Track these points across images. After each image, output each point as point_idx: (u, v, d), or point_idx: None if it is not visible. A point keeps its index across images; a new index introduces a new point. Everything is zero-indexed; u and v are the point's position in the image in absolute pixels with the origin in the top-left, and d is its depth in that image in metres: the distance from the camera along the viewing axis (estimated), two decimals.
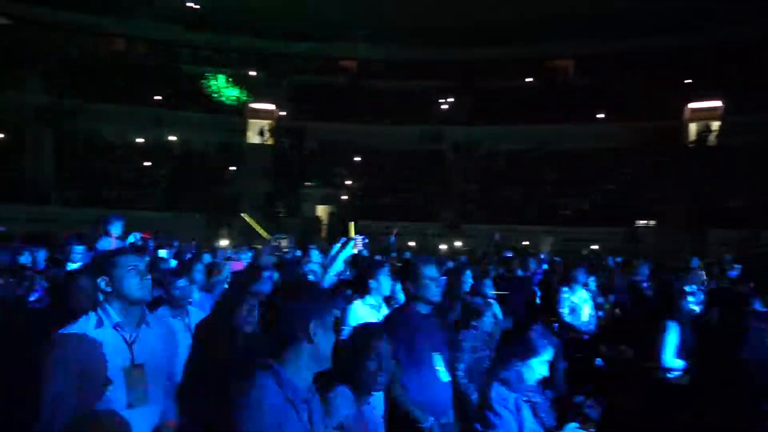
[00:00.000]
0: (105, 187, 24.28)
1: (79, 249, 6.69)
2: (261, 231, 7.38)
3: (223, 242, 11.67)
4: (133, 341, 2.52)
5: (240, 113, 29.96)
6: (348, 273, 6.52)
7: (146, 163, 26.63)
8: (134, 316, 2.57)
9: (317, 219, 26.81)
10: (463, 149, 28.28)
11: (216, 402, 2.00)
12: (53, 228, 16.83)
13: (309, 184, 27.52)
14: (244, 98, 30.19)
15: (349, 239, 4.09)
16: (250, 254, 9.34)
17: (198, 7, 31.61)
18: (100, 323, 2.49)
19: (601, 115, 28.42)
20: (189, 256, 8.09)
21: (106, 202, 22.00)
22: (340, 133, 29.00)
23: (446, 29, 28.30)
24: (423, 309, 3.46)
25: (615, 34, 27.15)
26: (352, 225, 4.21)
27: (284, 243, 8.05)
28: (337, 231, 23.21)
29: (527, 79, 31.46)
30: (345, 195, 26.68)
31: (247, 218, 7.69)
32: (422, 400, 3.20)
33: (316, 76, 31.86)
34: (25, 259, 6.77)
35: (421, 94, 30.53)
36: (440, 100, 31.32)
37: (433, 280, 3.44)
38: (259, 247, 11.11)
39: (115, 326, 2.50)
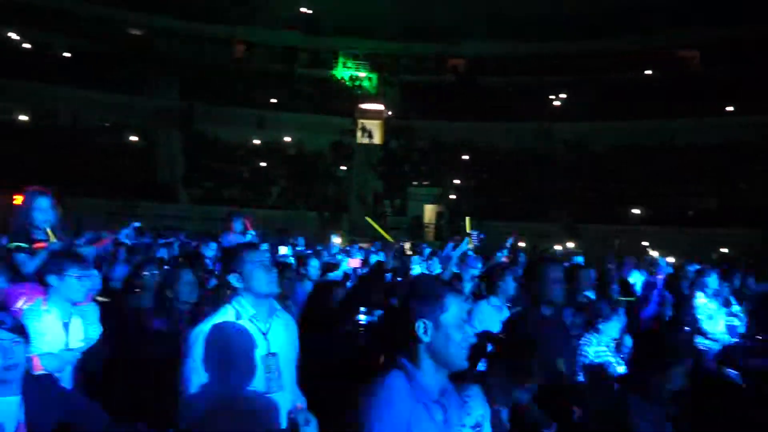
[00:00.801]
0: (226, 186, 25.71)
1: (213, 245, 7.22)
2: (385, 235, 7.47)
3: (336, 240, 12.00)
4: (266, 332, 2.68)
5: (350, 114, 30.70)
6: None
7: (263, 164, 27.89)
8: (265, 308, 2.73)
9: (424, 218, 26.85)
10: (579, 146, 27.23)
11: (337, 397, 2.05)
12: (182, 224, 18.10)
13: (417, 183, 27.62)
14: (357, 99, 30.96)
15: (465, 235, 4.06)
16: (362, 253, 9.52)
17: (311, 12, 32.85)
18: (238, 316, 2.66)
19: (731, 108, 26.31)
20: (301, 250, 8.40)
21: (227, 201, 23.29)
22: (449, 132, 28.91)
23: (561, 21, 27.42)
24: (546, 311, 3.37)
25: (744, 20, 25.06)
26: (468, 221, 4.17)
27: (407, 246, 8.10)
28: (445, 230, 23.16)
29: (647, 72, 29.74)
30: (453, 194, 26.52)
31: (372, 222, 7.80)
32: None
33: (426, 75, 31.98)
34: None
35: (534, 89, 29.73)
36: (555, 96, 30.35)
37: (557, 282, 3.35)
38: (366, 246, 11.35)
39: (251, 318, 2.67)
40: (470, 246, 4.19)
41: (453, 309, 1.86)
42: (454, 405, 1.93)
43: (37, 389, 2.41)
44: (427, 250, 8.06)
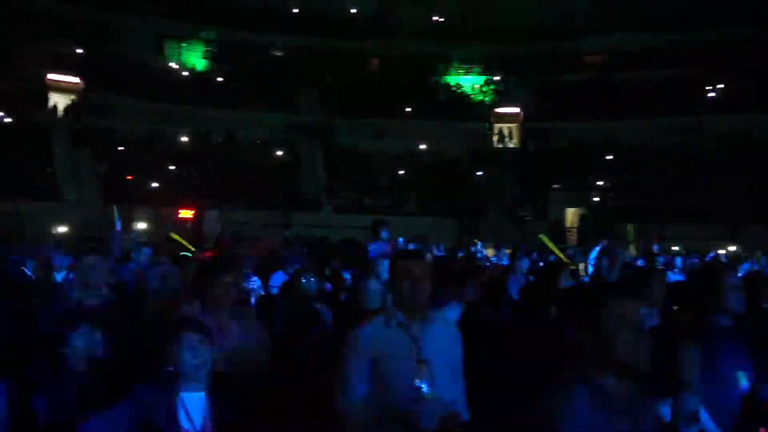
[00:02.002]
0: (366, 194, 26.46)
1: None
2: (557, 252, 7.25)
3: (478, 246, 11.91)
4: (418, 338, 2.69)
5: (486, 119, 30.39)
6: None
7: (401, 172, 28.38)
8: (419, 312, 2.74)
9: (566, 222, 25.78)
10: (736, 140, 24.83)
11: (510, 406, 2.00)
12: (325, 233, 18.88)
13: (557, 186, 26.64)
14: (492, 103, 30.62)
15: (621, 240, 3.81)
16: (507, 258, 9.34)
17: (443, 20, 33.08)
18: (388, 322, 2.73)
19: None
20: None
21: (368, 209, 23.97)
22: (589, 132, 27.66)
23: (699, 8, 25.29)
24: (724, 321, 3.08)
25: None
26: (631, 228, 3.92)
27: (582, 266, 7.80)
28: (590, 235, 22.06)
29: None
30: (597, 197, 25.27)
31: (545, 239, 7.60)
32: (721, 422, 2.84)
33: (561, 74, 30.86)
34: None
35: (682, 82, 27.61)
36: (708, 87, 27.97)
37: (736, 289, 3.05)
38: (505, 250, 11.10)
39: (401, 324, 2.72)
40: (633, 254, 3.93)
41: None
42: (645, 416, 1.82)
43: (221, 387, 2.60)
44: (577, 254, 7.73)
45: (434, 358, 2.67)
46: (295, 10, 32.94)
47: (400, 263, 2.81)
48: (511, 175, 27.21)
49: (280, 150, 28.20)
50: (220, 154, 27.01)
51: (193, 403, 2.49)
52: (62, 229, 14.61)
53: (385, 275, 4.49)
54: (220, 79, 30.72)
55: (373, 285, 4.19)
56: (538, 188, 26.15)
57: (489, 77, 32.09)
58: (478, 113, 30.24)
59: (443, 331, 2.81)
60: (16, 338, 3.95)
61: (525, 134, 29.93)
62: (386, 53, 32.84)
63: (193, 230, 4.45)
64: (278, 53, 32.57)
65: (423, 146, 29.92)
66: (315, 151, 28.07)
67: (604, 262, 6.16)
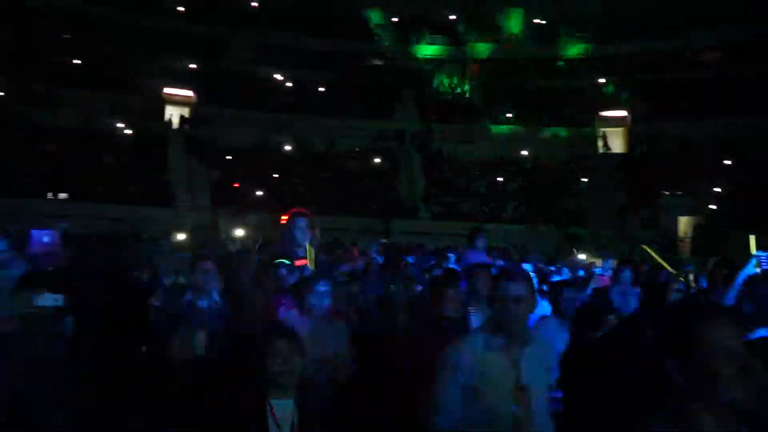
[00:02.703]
0: (464, 201, 26.20)
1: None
2: (664, 264, 6.80)
3: (580, 256, 11.43)
4: (517, 361, 2.56)
5: (590, 123, 29.27)
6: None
7: (499, 179, 27.90)
8: (518, 334, 2.60)
9: (678, 231, 24.20)
10: None
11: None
12: (424, 240, 18.84)
13: (668, 193, 25.08)
14: (596, 106, 29.45)
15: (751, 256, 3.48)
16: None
17: (544, 22, 32.28)
18: (487, 343, 2.59)
19: None
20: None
21: (464, 216, 23.73)
22: (702, 133, 25.83)
23: None
24: None
25: None
26: (753, 239, 3.57)
27: (692, 277, 7.29)
28: (705, 246, 20.55)
29: None
30: (713, 204, 23.53)
31: (649, 250, 7.19)
32: None
33: (667, 72, 28.99)
34: None
35: None
36: None
37: None
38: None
39: (500, 346, 2.58)
40: (757, 269, 3.56)
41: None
42: None
43: (309, 395, 2.61)
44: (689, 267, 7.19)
45: (532, 382, 2.56)
46: (395, 19, 33.29)
47: (501, 283, 2.64)
48: (616, 181, 25.99)
49: (379, 157, 28.55)
50: (321, 161, 27.76)
51: (282, 410, 2.50)
52: (176, 234, 15.53)
53: (479, 285, 4.38)
54: (321, 88, 31.58)
55: (452, 293, 4.09)
56: (646, 195, 24.77)
57: (592, 79, 30.86)
58: (582, 117, 29.17)
59: (541, 354, 2.68)
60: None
61: (631, 138, 28.52)
62: (486, 57, 32.47)
63: (283, 237, 4.54)
64: (377, 62, 33.05)
65: (524, 152, 29.24)
66: (413, 158, 28.18)
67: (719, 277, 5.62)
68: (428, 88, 31.38)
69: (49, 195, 21.51)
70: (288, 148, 28.51)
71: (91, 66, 27.52)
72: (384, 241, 12.23)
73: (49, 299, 3.28)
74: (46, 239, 6.70)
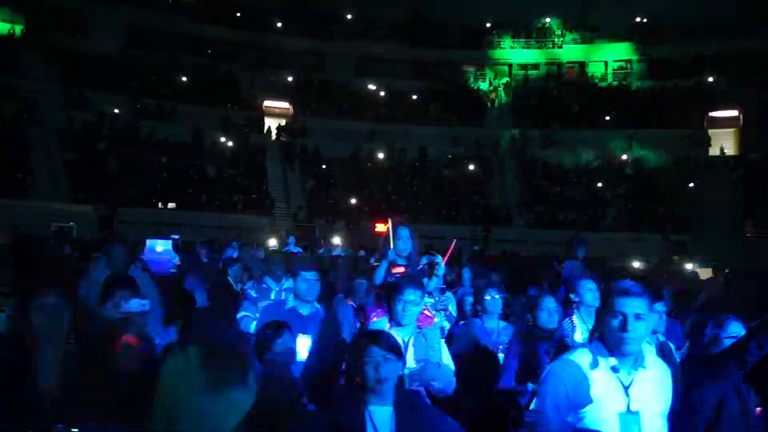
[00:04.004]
0: (561, 209, 25.43)
1: None
2: None
3: (687, 265, 10.79)
4: (629, 385, 2.36)
5: (698, 124, 27.62)
6: None
7: (599, 184, 26.89)
8: (631, 355, 2.38)
9: None
10: None
11: None
12: (518, 248, 18.53)
13: None
14: (705, 106, 27.76)
15: None
16: None
17: (646, 20, 30.89)
18: (594, 363, 2.40)
19: None
20: None
21: (562, 224, 23.06)
22: None
23: None
24: None
25: None
26: None
27: None
28: None
29: None
30: None
31: None
32: None
33: None
34: None
35: None
36: None
37: None
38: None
39: (611, 368, 2.38)
40: None
41: None
42: None
43: (408, 403, 2.62)
44: None
45: (644, 407, 2.35)
46: (489, 25, 33.00)
47: (616, 299, 2.38)
48: (728, 185, 24.33)
49: (472, 164, 28.32)
50: (413, 170, 27.90)
51: (380, 417, 2.50)
52: (274, 241, 16.15)
53: (587, 298, 4.23)
54: (414, 96, 31.81)
55: (549, 302, 3.98)
56: (765, 201, 23.00)
57: (700, 78, 29.12)
58: (688, 118, 27.56)
59: (655, 376, 2.45)
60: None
61: (743, 139, 26.63)
62: (583, 60, 31.50)
63: (384, 246, 4.58)
64: (470, 68, 32.87)
65: (624, 156, 28.01)
66: (507, 164, 27.75)
67: None
68: (522, 94, 30.79)
69: (160, 205, 22.94)
70: (381, 156, 28.88)
71: (201, 82, 29.22)
72: (476, 248, 12.10)
73: (136, 305, 3.41)
74: (159, 248, 7.18)
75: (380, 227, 21.78)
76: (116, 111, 26.22)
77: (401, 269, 4.67)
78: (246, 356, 3.62)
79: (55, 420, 2.00)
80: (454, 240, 5.50)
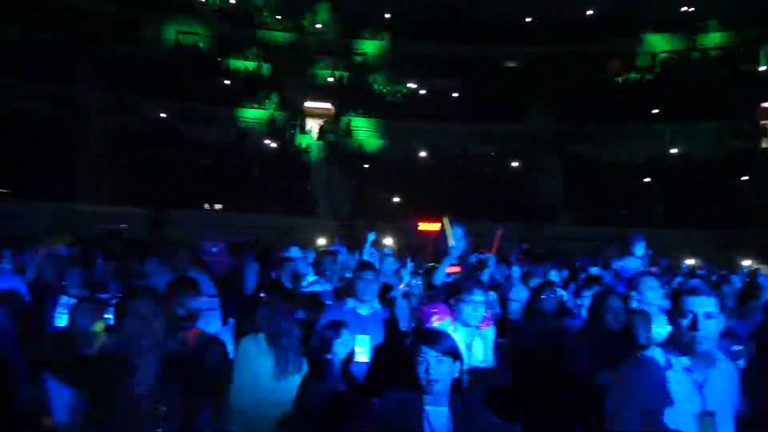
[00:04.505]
0: (607, 205, 24.91)
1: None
2: None
3: (745, 262, 10.44)
4: (702, 384, 2.36)
5: (750, 115, 26.68)
6: None
7: (646, 180, 26.23)
8: (703, 354, 2.38)
9: None
10: None
11: None
12: (565, 245, 18.17)
13: None
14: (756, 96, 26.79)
15: None
16: None
17: (693, 9, 30.04)
18: (668, 363, 2.41)
19: None
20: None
21: (608, 221, 22.58)
22: None
23: None
24: None
25: None
26: None
27: None
28: None
29: None
30: None
31: None
32: None
33: None
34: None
35: None
36: None
37: None
38: None
39: (685, 369, 2.39)
40: None
41: None
42: None
43: (464, 405, 2.61)
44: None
45: (717, 407, 2.36)
46: (528, 19, 32.53)
47: (685, 298, 2.40)
48: None
49: (514, 161, 27.99)
50: (455, 168, 27.76)
51: (437, 418, 2.51)
52: (320, 241, 16.26)
53: (648, 296, 4.15)
54: (455, 94, 31.63)
55: (614, 302, 3.91)
56: None
57: (751, 68, 28.12)
58: (738, 110, 26.63)
59: (727, 377, 2.46)
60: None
61: None
62: (628, 52, 30.78)
63: (437, 245, 4.60)
64: (511, 64, 32.46)
65: (673, 150, 27.25)
66: (550, 161, 27.35)
67: None
68: (565, 88, 30.21)
69: (206, 206, 23.39)
70: (423, 154, 28.81)
71: (245, 85, 29.71)
72: (525, 246, 11.97)
73: (201, 303, 3.49)
74: (214, 249, 7.38)
75: (424, 226, 21.80)
76: (162, 115, 26.89)
77: (456, 269, 4.68)
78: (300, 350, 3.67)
79: (152, 423, 2.08)
80: (501, 229, 5.44)
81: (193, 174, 24.14)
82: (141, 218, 19.99)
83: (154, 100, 27.00)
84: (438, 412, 2.51)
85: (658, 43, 30.52)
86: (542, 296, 4.85)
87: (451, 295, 3.74)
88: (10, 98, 23.81)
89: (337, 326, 3.82)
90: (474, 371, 3.61)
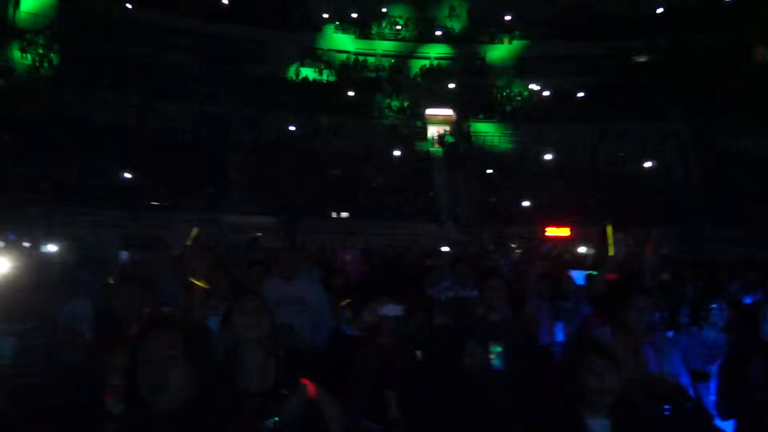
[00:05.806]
0: (755, 204, 22.70)
1: None
2: None
3: None
4: None
5: None
6: None
7: None
8: None
9: None
10: None
11: None
12: (702, 248, 16.87)
13: None
14: None
15: None
16: None
17: None
18: None
19: None
20: None
21: (754, 221, 20.65)
22: None
23: None
24: None
25: None
26: None
27: None
28: None
29: None
30: None
31: None
32: None
33: None
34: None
35: None
36: None
37: None
38: None
39: None
40: None
41: None
42: None
43: (626, 416, 2.54)
44: None
45: None
46: (660, 10, 30.66)
47: None
48: None
49: (648, 161, 26.35)
50: (584, 170, 26.64)
51: (598, 429, 2.46)
52: (445, 248, 16.31)
53: None
54: (580, 94, 30.47)
55: None
56: None
57: None
58: None
59: None
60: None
61: None
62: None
63: (597, 251, 4.47)
64: (641, 58, 30.72)
65: None
66: (687, 159, 25.52)
67: None
68: (702, 82, 27.98)
69: (333, 214, 24.20)
70: (548, 158, 27.99)
71: (366, 97, 30.55)
72: (664, 252, 11.29)
73: (392, 309, 3.65)
74: (348, 257, 7.69)
75: (551, 231, 21.09)
76: (292, 128, 28.30)
77: (613, 275, 4.53)
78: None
79: (259, 419, 2.22)
80: (654, 231, 5.21)
81: (321, 183, 25.08)
82: (273, 227, 20.95)
83: (288, 112, 28.42)
84: (599, 424, 2.46)
85: None
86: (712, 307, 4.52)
87: (616, 302, 3.61)
88: (164, 119, 26.16)
89: (462, 334, 3.85)
90: (637, 381, 3.49)
